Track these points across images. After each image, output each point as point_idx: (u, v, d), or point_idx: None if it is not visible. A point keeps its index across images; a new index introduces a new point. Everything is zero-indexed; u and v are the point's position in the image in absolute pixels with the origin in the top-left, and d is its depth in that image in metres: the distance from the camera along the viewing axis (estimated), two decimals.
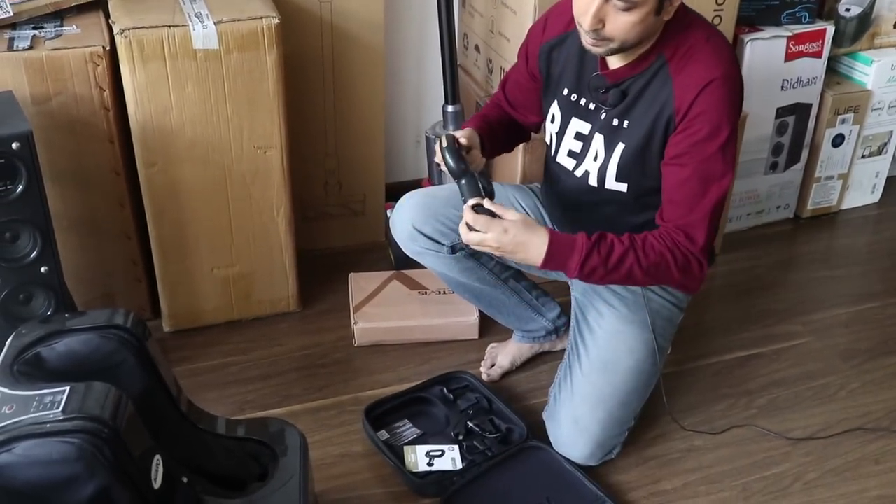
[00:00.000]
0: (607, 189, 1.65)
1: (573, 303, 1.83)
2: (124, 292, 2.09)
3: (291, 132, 2.01)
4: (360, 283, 2.20)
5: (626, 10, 1.42)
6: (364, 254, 2.41)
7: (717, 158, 1.52)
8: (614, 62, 1.58)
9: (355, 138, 2.32)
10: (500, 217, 1.49)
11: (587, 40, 1.49)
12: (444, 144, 1.57)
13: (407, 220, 1.78)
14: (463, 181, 1.54)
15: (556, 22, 1.68)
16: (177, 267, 2.05)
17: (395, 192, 2.41)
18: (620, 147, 1.60)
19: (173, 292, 2.08)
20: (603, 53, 1.51)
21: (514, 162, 2.11)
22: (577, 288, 1.82)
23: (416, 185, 2.38)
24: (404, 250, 1.82)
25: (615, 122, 1.60)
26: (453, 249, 1.77)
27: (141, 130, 1.87)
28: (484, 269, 1.85)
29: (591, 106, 1.64)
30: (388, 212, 2.37)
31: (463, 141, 1.62)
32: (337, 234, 2.44)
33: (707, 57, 1.51)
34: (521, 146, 1.99)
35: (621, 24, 1.44)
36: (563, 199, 1.77)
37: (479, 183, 1.53)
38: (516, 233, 1.47)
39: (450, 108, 2.19)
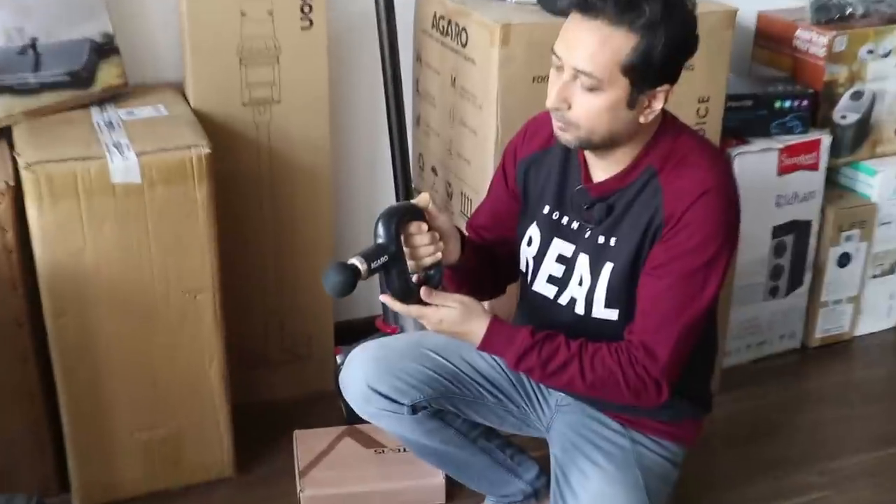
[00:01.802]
0: (595, 318, 1.67)
1: (553, 461, 1.81)
2: (26, 463, 2.05)
3: (225, 270, 2.02)
4: (306, 442, 2.18)
5: (592, 90, 1.48)
6: (311, 405, 2.40)
7: (700, 276, 1.56)
8: (599, 173, 1.62)
9: (299, 273, 2.34)
10: (435, 306, 1.58)
11: (554, 124, 1.56)
12: (385, 211, 1.57)
13: (360, 378, 1.77)
14: (388, 263, 1.53)
15: (534, 137, 1.73)
16: (90, 431, 2.02)
17: (345, 332, 2.44)
18: (608, 267, 1.63)
19: (85, 461, 2.04)
20: (571, 143, 1.56)
21: None
22: (557, 444, 1.81)
23: (368, 323, 2.38)
24: (358, 412, 1.81)
25: (601, 239, 1.63)
26: (414, 409, 1.76)
27: (49, 276, 1.87)
28: (450, 428, 1.84)
29: (575, 225, 1.67)
30: (338, 357, 2.38)
31: (429, 207, 1.61)
32: (279, 383, 2.43)
33: (701, 166, 1.56)
34: None
35: (587, 107, 1.49)
36: None
37: (404, 270, 1.56)
38: (452, 324, 1.59)
39: None
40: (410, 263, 1.59)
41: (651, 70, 1.47)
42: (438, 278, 1.63)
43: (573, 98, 1.50)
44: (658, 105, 1.53)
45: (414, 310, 1.59)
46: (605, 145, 1.56)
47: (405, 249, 1.58)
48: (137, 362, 1.99)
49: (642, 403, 1.62)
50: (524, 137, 1.76)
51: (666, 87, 1.52)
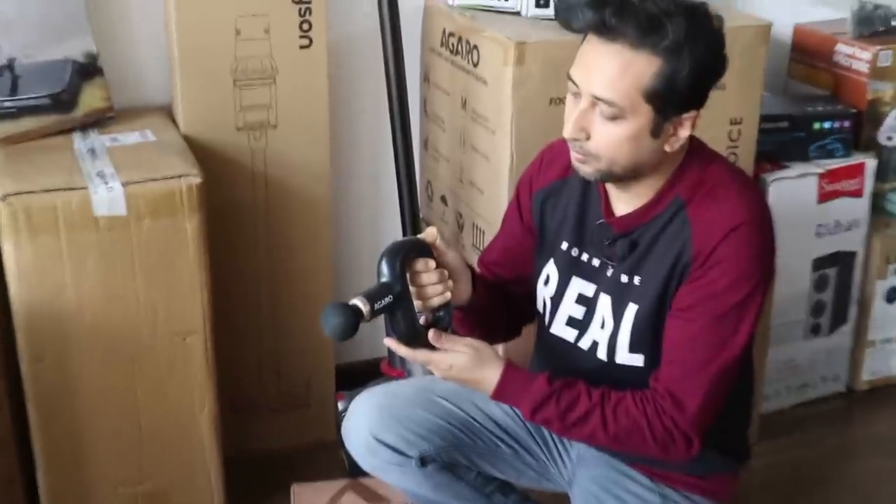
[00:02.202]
0: (619, 365, 1.66)
1: None
2: None
3: (218, 308, 2.03)
4: (305, 497, 2.18)
5: (613, 118, 1.48)
6: (309, 456, 2.40)
7: (733, 317, 1.55)
8: (621, 206, 1.62)
9: (297, 311, 2.34)
10: (444, 351, 1.58)
11: (572, 155, 1.56)
12: (389, 248, 1.57)
13: (364, 427, 1.76)
14: (393, 304, 1.53)
15: (551, 166, 1.73)
16: (68, 486, 2.02)
17: (346, 376, 2.44)
18: (632, 309, 1.62)
19: None
20: (591, 175, 1.56)
21: None
22: (581, 500, 1.80)
23: (373, 366, 2.38)
24: (362, 465, 1.81)
25: (624, 278, 1.63)
26: (423, 461, 1.75)
27: (26, 317, 1.88)
28: (461, 482, 1.83)
29: (596, 262, 1.67)
30: (340, 403, 2.38)
31: (437, 242, 1.62)
32: (275, 431, 2.43)
33: (733, 198, 1.56)
34: None
35: (607, 136, 1.49)
36: None
37: (410, 311, 1.56)
38: (462, 370, 1.60)
39: None
40: (417, 304, 1.59)
41: (676, 96, 1.47)
42: (448, 320, 1.63)
43: (592, 127, 1.50)
44: (684, 133, 1.53)
45: (421, 355, 1.59)
46: (627, 177, 1.56)
47: (411, 289, 1.58)
48: (121, 410, 2.00)
49: (671, 457, 1.62)
50: (540, 166, 1.76)
51: (692, 112, 1.51)
